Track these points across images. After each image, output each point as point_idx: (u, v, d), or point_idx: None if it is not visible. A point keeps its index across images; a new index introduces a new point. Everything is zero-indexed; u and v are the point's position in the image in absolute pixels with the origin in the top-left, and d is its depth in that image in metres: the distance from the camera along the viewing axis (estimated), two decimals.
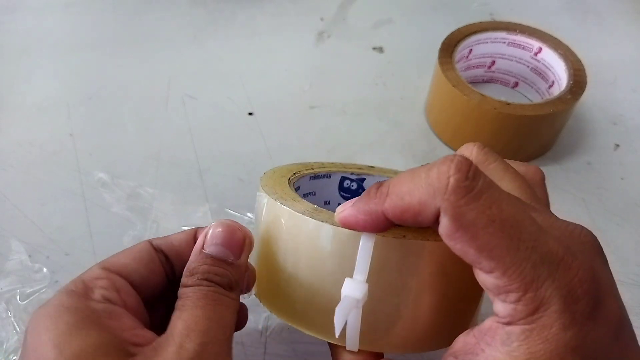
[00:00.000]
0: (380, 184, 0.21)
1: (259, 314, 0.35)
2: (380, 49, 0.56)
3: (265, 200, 0.26)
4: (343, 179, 0.34)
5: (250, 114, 0.49)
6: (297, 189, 0.30)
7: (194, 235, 0.27)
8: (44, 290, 0.36)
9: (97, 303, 0.23)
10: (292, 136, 0.47)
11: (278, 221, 0.25)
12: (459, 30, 0.47)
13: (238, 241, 0.25)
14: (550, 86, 0.47)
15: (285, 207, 0.25)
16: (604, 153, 0.47)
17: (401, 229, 0.23)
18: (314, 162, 0.34)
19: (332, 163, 0.35)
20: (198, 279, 0.23)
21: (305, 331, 0.25)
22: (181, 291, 0.24)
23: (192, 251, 0.25)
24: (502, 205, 0.18)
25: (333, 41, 0.57)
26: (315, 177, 0.33)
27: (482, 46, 0.48)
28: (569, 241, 0.20)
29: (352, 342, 0.23)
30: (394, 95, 0.51)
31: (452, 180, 0.18)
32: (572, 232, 0.20)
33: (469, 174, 0.18)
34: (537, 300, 0.18)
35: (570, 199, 0.43)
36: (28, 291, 0.36)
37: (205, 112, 0.49)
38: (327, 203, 0.35)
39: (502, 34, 0.48)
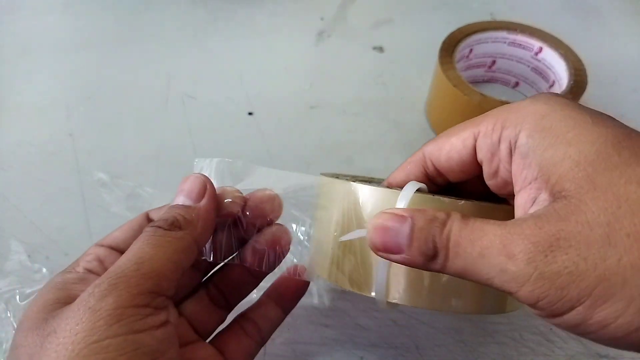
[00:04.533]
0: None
1: None
2: (380, 49, 0.56)
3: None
4: None
5: (250, 113, 0.48)
6: None
7: None
8: None
9: (72, 274, 0.25)
10: (292, 136, 0.47)
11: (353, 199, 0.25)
12: (459, 29, 0.47)
13: (195, 187, 0.26)
14: (551, 86, 0.47)
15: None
16: None
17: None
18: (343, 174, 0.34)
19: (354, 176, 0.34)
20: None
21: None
22: None
23: None
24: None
25: (333, 41, 0.57)
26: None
27: (483, 46, 0.48)
28: None
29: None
30: (394, 95, 0.51)
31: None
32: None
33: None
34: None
35: None
36: (27, 291, 0.36)
37: (205, 112, 0.49)
38: None
39: (503, 34, 0.47)
